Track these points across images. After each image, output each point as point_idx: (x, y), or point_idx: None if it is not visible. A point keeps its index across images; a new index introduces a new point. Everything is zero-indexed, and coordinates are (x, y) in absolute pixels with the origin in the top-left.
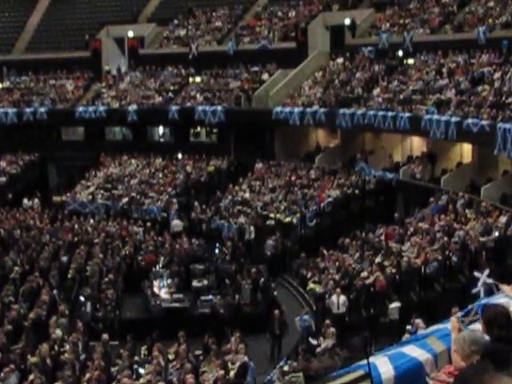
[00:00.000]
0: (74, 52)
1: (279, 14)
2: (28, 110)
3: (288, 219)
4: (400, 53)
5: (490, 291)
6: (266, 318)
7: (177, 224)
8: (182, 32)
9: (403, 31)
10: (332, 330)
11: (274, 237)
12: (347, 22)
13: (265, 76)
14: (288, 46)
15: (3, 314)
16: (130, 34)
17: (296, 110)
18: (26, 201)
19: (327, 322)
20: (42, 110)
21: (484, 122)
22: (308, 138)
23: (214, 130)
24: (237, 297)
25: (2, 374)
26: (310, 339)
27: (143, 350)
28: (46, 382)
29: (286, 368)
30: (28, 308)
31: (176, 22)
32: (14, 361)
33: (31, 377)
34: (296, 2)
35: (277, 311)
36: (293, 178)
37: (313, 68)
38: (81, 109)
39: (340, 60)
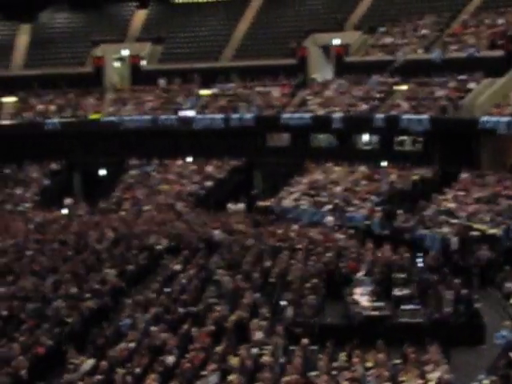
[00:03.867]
0: (280, 59)
1: (487, 21)
2: (235, 116)
3: (492, 231)
4: None
5: None
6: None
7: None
8: (388, 40)
9: None
10: None
11: (483, 248)
12: None
13: (471, 85)
14: (496, 54)
15: (206, 314)
16: (336, 41)
17: (503, 119)
18: (230, 205)
19: None
20: (249, 116)
21: None
22: None
23: (419, 139)
24: (438, 307)
25: (205, 373)
26: (511, 354)
27: (342, 356)
28: (246, 383)
29: (486, 382)
30: (230, 310)
31: (382, 29)
32: (215, 361)
33: (231, 377)
34: (505, 9)
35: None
36: (498, 189)
37: None
38: (286, 115)
39: None
